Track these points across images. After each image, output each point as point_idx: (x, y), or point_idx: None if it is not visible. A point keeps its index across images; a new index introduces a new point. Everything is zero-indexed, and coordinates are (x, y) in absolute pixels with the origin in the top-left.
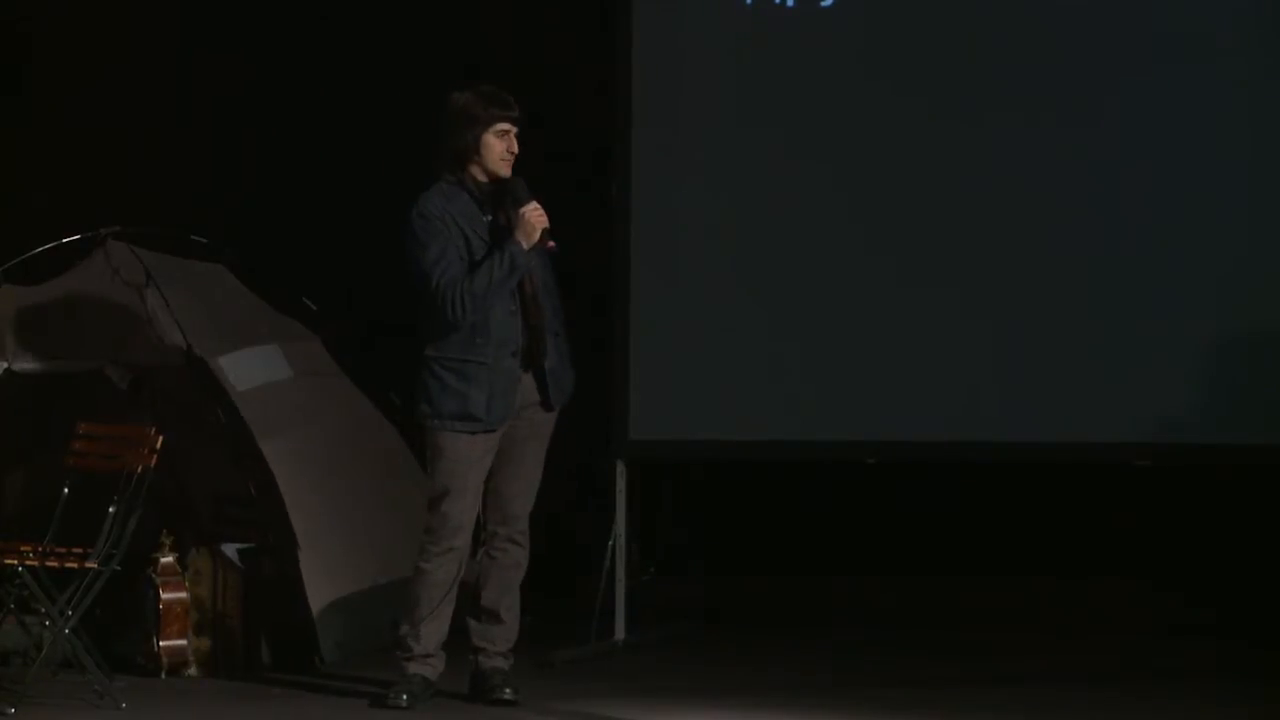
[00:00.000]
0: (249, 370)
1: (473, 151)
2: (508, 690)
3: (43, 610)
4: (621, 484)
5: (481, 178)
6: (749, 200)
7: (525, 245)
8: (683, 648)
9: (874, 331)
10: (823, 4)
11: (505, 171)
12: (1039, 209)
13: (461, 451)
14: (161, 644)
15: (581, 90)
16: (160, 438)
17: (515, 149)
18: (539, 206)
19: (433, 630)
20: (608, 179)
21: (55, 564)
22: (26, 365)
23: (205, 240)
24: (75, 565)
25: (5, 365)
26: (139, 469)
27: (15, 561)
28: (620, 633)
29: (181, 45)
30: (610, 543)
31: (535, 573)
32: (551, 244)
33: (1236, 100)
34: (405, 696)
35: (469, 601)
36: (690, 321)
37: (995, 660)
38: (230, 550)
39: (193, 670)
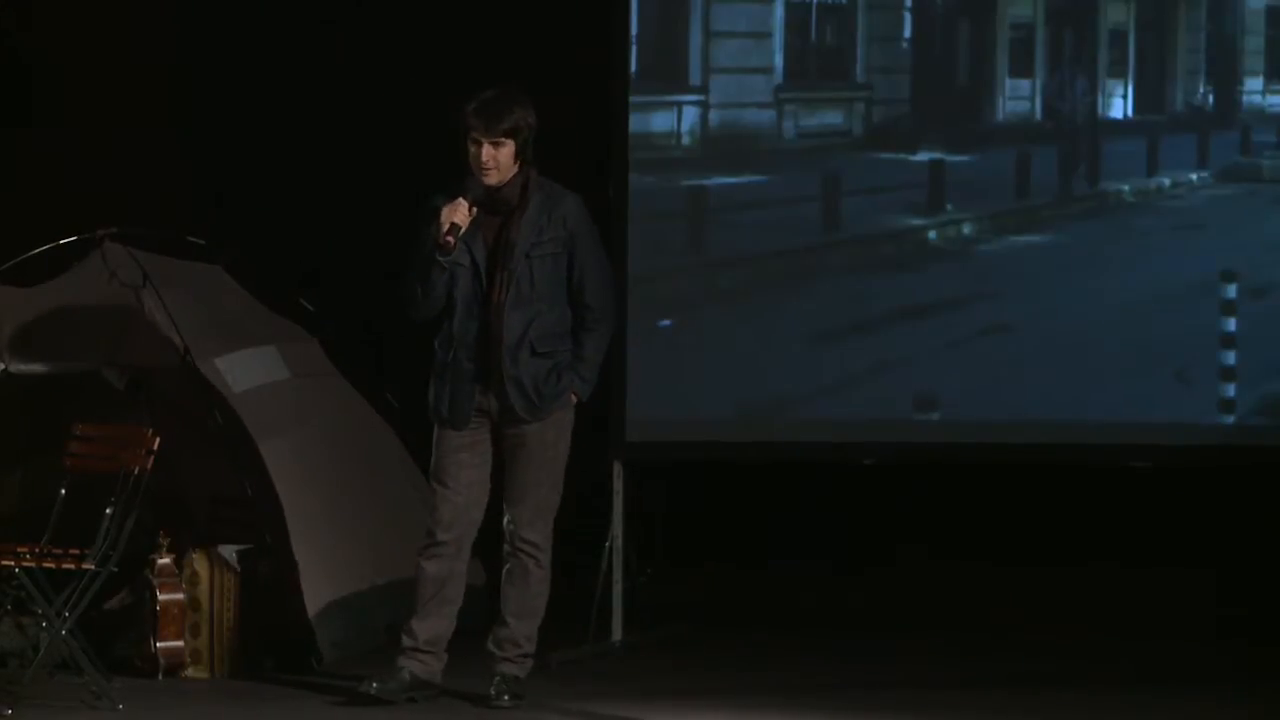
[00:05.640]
0: (246, 371)
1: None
2: (506, 698)
3: (40, 611)
4: (618, 485)
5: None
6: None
7: (439, 240)
8: (680, 648)
9: (873, 333)
10: None
11: (485, 179)
12: (1037, 208)
13: (440, 444)
14: (158, 645)
15: (580, 89)
16: (157, 439)
17: (487, 159)
18: (460, 202)
19: (425, 626)
20: (607, 179)
21: (52, 565)
22: (23, 367)
23: (202, 241)
24: (72, 566)
25: (2, 367)
26: (136, 470)
27: (12, 563)
28: (617, 633)
29: (181, 45)
30: (607, 544)
31: None
32: (449, 239)
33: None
34: (375, 685)
35: None
36: (688, 322)
37: (995, 661)
38: (227, 551)
39: (190, 671)
